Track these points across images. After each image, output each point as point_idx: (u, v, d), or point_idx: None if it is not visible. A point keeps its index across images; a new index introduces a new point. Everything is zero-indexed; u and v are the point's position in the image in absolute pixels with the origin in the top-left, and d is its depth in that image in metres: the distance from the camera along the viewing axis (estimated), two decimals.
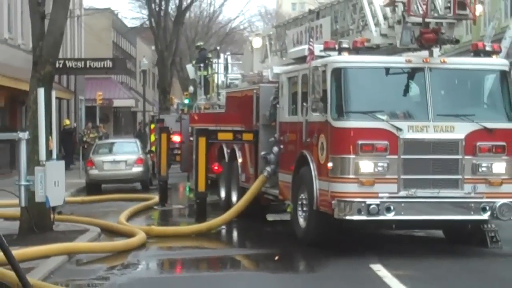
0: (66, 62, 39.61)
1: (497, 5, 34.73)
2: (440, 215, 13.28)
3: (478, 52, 14.11)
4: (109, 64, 41.39)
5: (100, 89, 48.06)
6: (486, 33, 30.52)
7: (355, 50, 13.67)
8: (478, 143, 13.12)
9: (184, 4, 47.97)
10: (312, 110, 13.80)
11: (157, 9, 46.57)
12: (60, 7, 16.23)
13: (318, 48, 14.08)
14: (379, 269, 11.76)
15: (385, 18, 14.28)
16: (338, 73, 13.29)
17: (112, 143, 29.90)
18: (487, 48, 14.14)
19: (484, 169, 13.13)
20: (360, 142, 12.90)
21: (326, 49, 13.87)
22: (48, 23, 16.22)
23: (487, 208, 12.96)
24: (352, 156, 12.90)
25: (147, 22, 50.44)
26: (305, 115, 14.16)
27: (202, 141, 18.61)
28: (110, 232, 16.17)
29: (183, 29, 52.08)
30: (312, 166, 13.76)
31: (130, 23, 64.15)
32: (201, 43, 31.92)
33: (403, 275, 11.30)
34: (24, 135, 5.30)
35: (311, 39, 15.56)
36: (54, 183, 6.88)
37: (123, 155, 27.31)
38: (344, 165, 12.98)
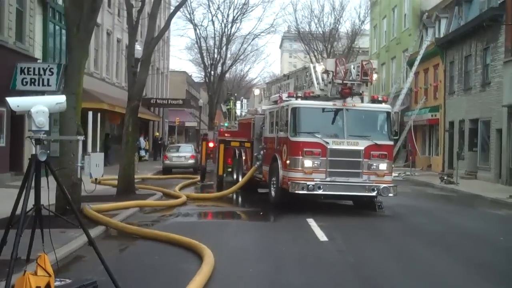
0: (157, 100, 39.62)
1: (399, 75, 35.04)
2: (350, 192, 13.00)
3: (374, 100, 13.86)
4: (180, 102, 41.36)
5: (178, 116, 47.89)
6: (391, 90, 30.31)
7: (305, 97, 13.42)
8: (372, 152, 12.83)
9: (224, 70, 48.00)
10: (280, 130, 13.57)
11: (209, 72, 46.68)
12: (144, 70, 16.15)
13: (284, 96, 13.90)
14: (311, 221, 11.51)
15: (323, 79, 14.05)
16: (294, 110, 13.04)
17: (178, 146, 29.61)
18: (379, 99, 13.91)
19: (374, 167, 12.84)
20: (305, 149, 12.65)
21: (289, 96, 13.65)
22: (137, 77, 16.06)
23: (375, 189, 12.70)
24: (300, 157, 12.64)
25: (204, 79, 50.66)
26: (277, 133, 13.94)
27: (222, 146, 18.48)
28: (168, 196, 15.83)
29: (224, 83, 52.12)
30: (279, 162, 13.50)
31: (196, 79, 64.40)
32: (230, 92, 31.49)
33: (324, 225, 11.02)
34: (81, 137, 5.14)
35: (280, 91, 15.40)
36: (96, 165, 6.70)
37: (183, 153, 26.77)
38: (296, 162, 12.72)
